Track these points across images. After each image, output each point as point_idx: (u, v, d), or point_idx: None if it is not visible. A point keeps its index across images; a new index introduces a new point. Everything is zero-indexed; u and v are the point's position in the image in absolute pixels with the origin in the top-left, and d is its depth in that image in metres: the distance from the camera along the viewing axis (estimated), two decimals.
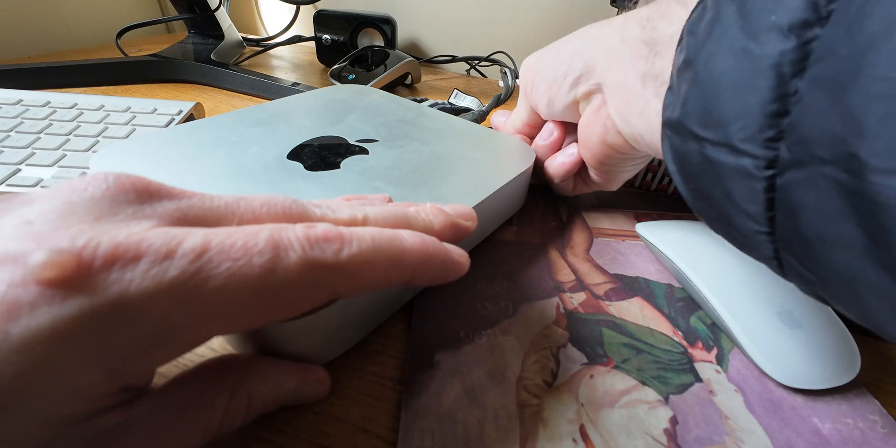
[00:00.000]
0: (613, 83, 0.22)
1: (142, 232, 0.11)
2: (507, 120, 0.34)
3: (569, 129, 0.29)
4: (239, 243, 0.11)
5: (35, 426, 0.10)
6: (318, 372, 0.17)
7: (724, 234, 0.16)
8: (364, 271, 0.13)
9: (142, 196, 0.12)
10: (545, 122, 0.31)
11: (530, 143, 0.31)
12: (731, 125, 0.13)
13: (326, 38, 0.58)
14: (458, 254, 0.16)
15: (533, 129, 0.31)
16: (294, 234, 0.12)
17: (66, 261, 0.09)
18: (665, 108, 0.17)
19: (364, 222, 0.15)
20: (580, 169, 0.29)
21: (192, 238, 0.11)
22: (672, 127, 0.16)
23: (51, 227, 0.10)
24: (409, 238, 0.15)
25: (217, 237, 0.11)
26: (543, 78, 0.26)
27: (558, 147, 0.29)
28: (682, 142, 0.15)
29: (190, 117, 0.34)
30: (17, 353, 0.09)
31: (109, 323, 0.10)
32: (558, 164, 0.28)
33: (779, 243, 0.13)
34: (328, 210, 0.15)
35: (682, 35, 0.16)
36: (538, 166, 0.30)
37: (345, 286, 0.13)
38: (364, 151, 0.25)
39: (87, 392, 0.10)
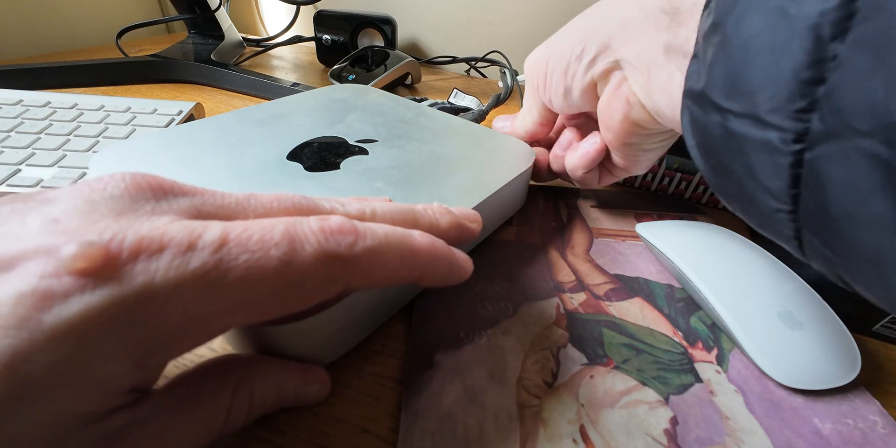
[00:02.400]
0: (633, 57, 0.21)
1: (163, 225, 0.11)
2: (513, 123, 0.32)
3: (585, 132, 0.28)
4: (255, 236, 0.11)
5: (51, 425, 0.10)
6: (319, 373, 0.17)
7: (742, 212, 0.15)
8: (376, 266, 0.13)
9: (157, 193, 0.12)
10: (557, 118, 0.29)
11: (548, 147, 0.30)
12: (758, 94, 0.12)
13: (326, 39, 0.58)
14: (463, 258, 0.17)
15: (547, 128, 0.30)
16: (309, 227, 0.12)
17: (95, 252, 0.10)
18: (688, 77, 0.16)
19: (372, 217, 0.15)
20: (603, 158, 0.27)
21: (211, 231, 0.11)
22: (693, 97, 0.15)
23: (76, 224, 0.11)
24: (420, 238, 0.15)
25: (234, 230, 0.11)
26: (557, 65, 0.25)
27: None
28: (703, 113, 0.15)
29: (190, 117, 0.34)
30: (50, 342, 0.09)
31: (136, 312, 0.10)
32: (581, 154, 0.27)
33: (801, 222, 0.13)
34: (337, 204, 0.15)
35: None
36: (557, 171, 0.29)
37: (357, 280, 0.13)
38: (364, 152, 0.25)
39: (110, 385, 0.10)
